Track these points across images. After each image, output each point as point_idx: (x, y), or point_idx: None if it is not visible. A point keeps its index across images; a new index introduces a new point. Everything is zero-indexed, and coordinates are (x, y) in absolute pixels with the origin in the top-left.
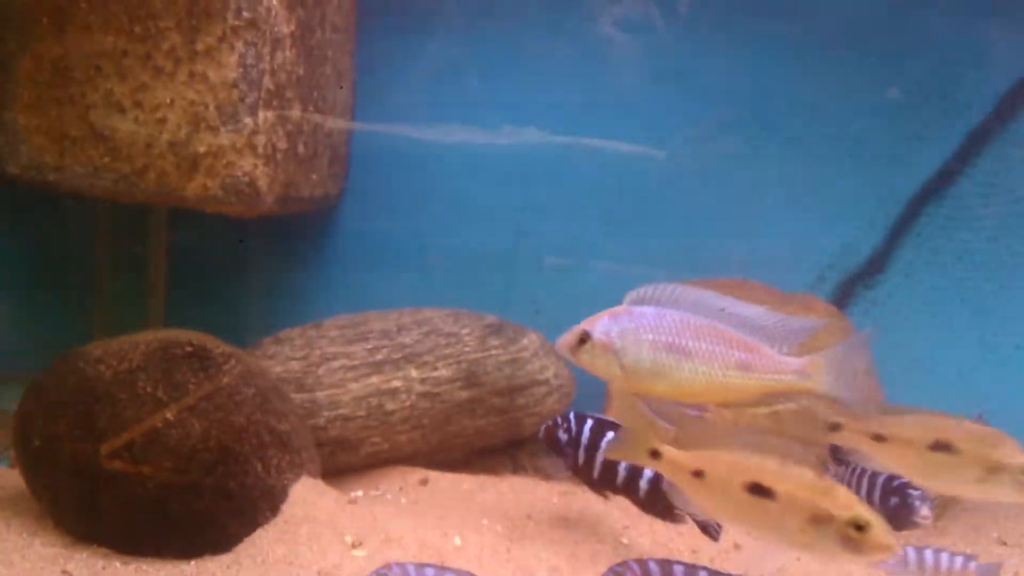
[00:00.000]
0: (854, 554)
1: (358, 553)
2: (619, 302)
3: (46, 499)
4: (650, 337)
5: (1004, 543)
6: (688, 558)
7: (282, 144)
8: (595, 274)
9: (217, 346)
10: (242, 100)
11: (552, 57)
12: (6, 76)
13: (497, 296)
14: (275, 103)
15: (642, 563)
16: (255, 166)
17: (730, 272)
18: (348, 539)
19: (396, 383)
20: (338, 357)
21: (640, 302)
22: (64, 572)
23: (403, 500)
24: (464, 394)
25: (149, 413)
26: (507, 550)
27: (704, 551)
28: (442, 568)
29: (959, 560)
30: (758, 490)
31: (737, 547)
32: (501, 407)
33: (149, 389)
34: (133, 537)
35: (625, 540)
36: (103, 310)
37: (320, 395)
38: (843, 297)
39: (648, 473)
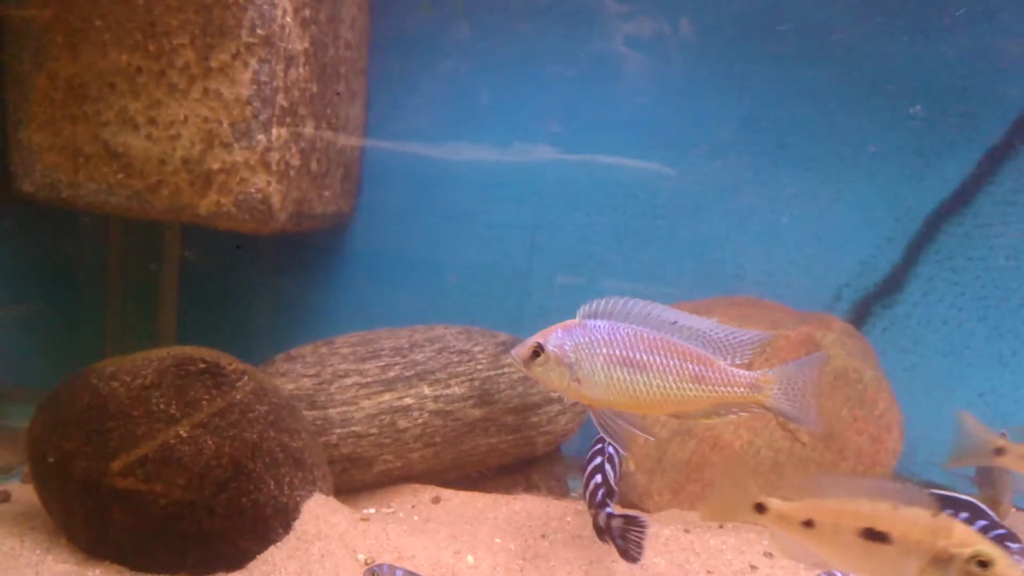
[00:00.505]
0: None
1: None
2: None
3: (59, 515)
4: (604, 351)
5: None
6: None
7: (295, 161)
8: (608, 292)
9: (230, 363)
10: (255, 117)
11: (565, 75)
12: (21, 95)
13: (509, 313)
14: (288, 120)
15: None
16: (268, 183)
17: (745, 291)
18: (360, 557)
19: (409, 400)
20: (350, 374)
21: (593, 316)
22: None
23: (415, 518)
24: (477, 412)
25: (162, 430)
26: (520, 569)
27: (720, 571)
28: None
29: None
30: (873, 535)
31: (753, 568)
32: (514, 425)
33: (162, 406)
34: (146, 554)
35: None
36: (115, 326)
37: (332, 412)
38: (860, 316)
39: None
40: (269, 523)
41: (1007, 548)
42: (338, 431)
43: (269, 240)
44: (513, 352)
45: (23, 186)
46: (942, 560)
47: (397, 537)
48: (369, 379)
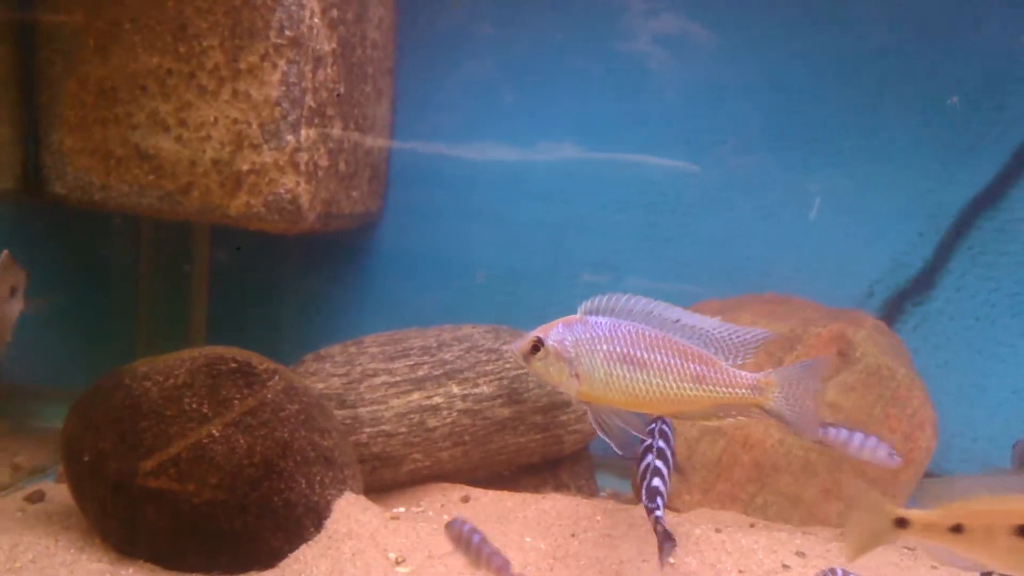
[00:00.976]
0: None
1: (401, 570)
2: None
3: (93, 514)
4: (605, 347)
5: None
6: None
7: (323, 162)
8: (634, 291)
9: (261, 362)
10: (284, 118)
11: (592, 73)
12: (52, 98)
13: (536, 312)
14: (317, 121)
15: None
16: (297, 183)
17: (774, 288)
18: (392, 556)
19: (438, 399)
20: (379, 374)
21: (594, 312)
22: None
23: (445, 517)
24: (505, 411)
25: (195, 429)
26: (551, 568)
27: (752, 571)
28: None
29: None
30: None
31: (785, 567)
32: (542, 424)
33: (195, 405)
34: (178, 553)
35: (672, 559)
36: (146, 326)
37: (362, 411)
38: (892, 313)
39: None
40: (301, 522)
41: None
42: (368, 430)
43: (298, 240)
44: (512, 346)
45: (55, 188)
46: None
47: (428, 536)
48: (398, 378)
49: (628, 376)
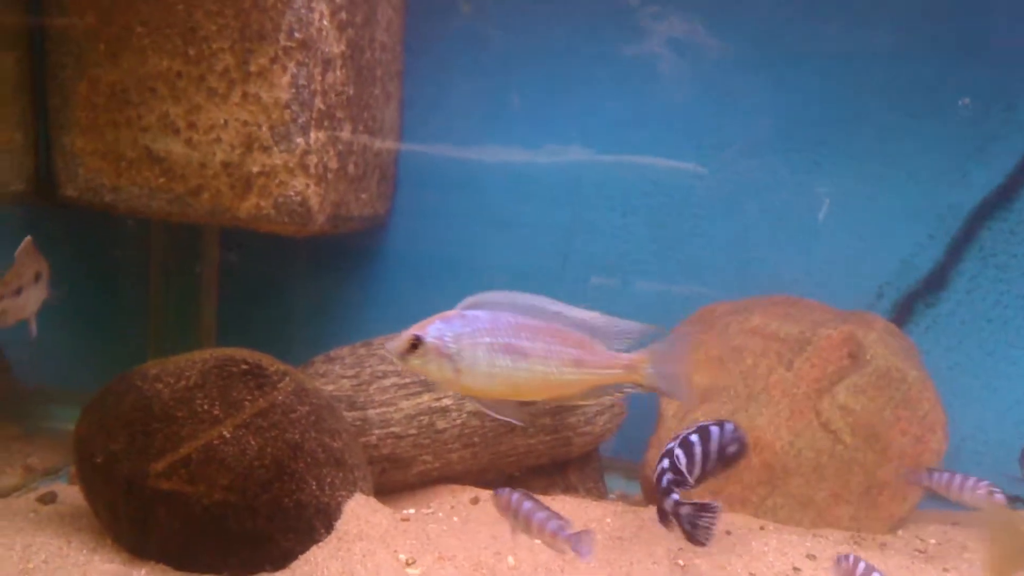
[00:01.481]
0: None
1: (412, 571)
2: (670, 320)
3: (105, 516)
4: (487, 339)
5: None
6: None
7: (333, 164)
8: (643, 293)
9: (272, 364)
10: (294, 120)
11: (600, 75)
12: (64, 101)
13: None
14: (326, 123)
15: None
16: (307, 186)
17: (783, 290)
18: (402, 557)
19: (447, 401)
20: (388, 375)
21: (473, 307)
22: None
23: (455, 519)
24: None
25: (206, 430)
26: (561, 570)
27: (762, 573)
28: None
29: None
30: None
31: (796, 570)
32: (551, 426)
33: (206, 407)
34: (190, 554)
35: (681, 562)
36: (157, 328)
37: (372, 413)
38: (903, 314)
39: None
40: (311, 523)
41: None
42: (377, 432)
43: (307, 242)
44: (388, 345)
45: (66, 191)
46: None
47: (438, 537)
48: (407, 380)
49: (512, 366)
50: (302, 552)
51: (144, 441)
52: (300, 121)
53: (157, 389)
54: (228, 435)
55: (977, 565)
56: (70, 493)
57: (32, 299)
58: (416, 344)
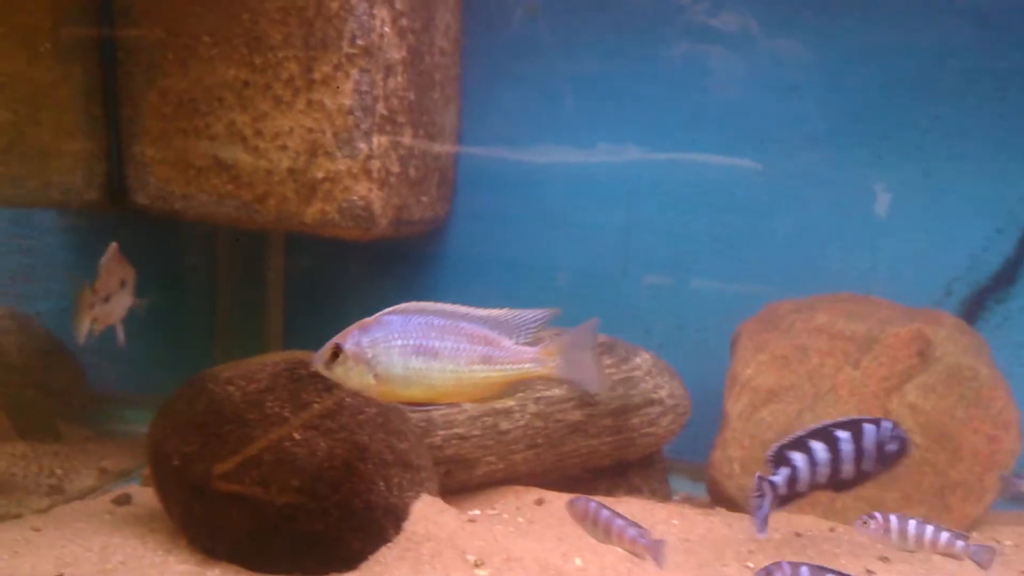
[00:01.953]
0: None
1: (480, 572)
2: (726, 319)
3: (178, 517)
4: (399, 342)
5: None
6: None
7: (395, 168)
8: (704, 292)
9: None
10: (357, 126)
11: (656, 73)
12: (134, 111)
13: (604, 315)
14: (388, 128)
15: (794, 566)
16: (370, 190)
17: (848, 287)
18: (470, 558)
19: (510, 402)
20: None
21: (389, 314)
22: None
23: (520, 520)
24: (577, 414)
25: (277, 432)
26: (628, 572)
27: None
28: None
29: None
30: None
31: (869, 572)
32: (615, 427)
33: (276, 409)
34: (262, 555)
35: (751, 564)
36: (224, 332)
37: (435, 414)
38: (973, 311)
39: None
40: (380, 524)
41: None
42: (441, 433)
43: (369, 246)
44: (314, 358)
45: (138, 199)
46: None
47: (505, 539)
48: None
49: (424, 367)
50: (372, 553)
51: (216, 443)
52: (363, 127)
53: (228, 392)
54: (298, 437)
55: None
56: (144, 495)
57: (119, 306)
58: (337, 352)
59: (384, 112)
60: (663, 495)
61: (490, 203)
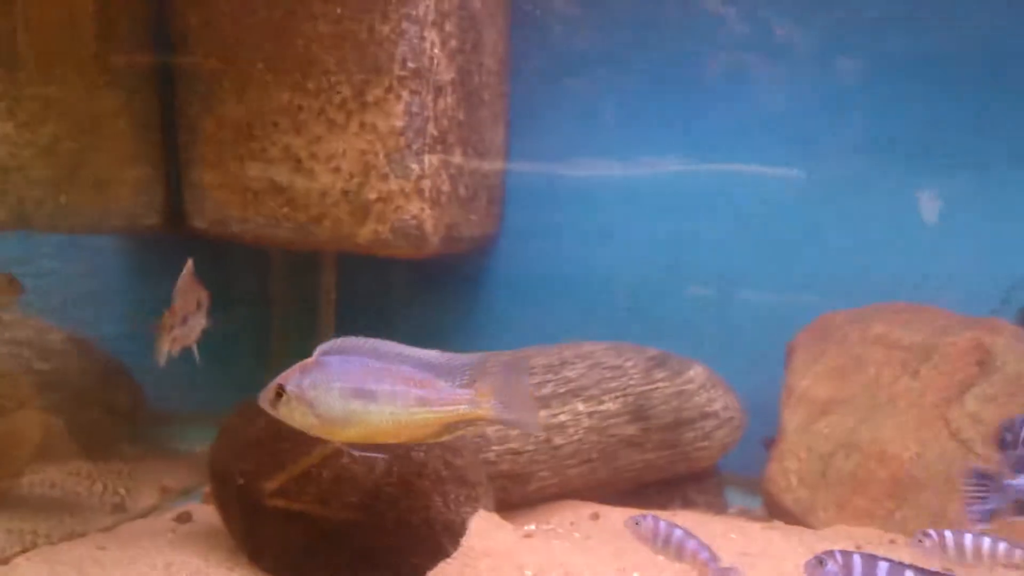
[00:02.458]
0: None
1: None
2: (778, 330)
3: (239, 534)
4: (338, 384)
5: None
6: None
7: (445, 187)
8: (756, 304)
9: None
10: (409, 147)
11: (701, 84)
12: (192, 137)
13: (653, 328)
14: (439, 148)
15: (846, 555)
16: (422, 209)
17: (903, 296)
18: (528, 573)
19: (563, 417)
20: None
21: (327, 353)
22: None
23: (576, 534)
24: (631, 428)
25: (334, 450)
26: None
27: None
28: None
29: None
30: None
31: None
32: (670, 441)
33: None
34: (322, 571)
35: None
36: (277, 351)
37: (489, 430)
38: None
39: None
40: (439, 540)
41: None
42: (495, 448)
43: (420, 264)
44: (260, 397)
45: (196, 223)
46: None
47: (562, 554)
48: None
49: (363, 409)
50: (430, 568)
51: (275, 461)
52: (415, 147)
53: None
54: (356, 454)
55: None
56: (204, 512)
57: (195, 327)
58: (280, 392)
59: (435, 132)
60: (718, 508)
61: (538, 219)
